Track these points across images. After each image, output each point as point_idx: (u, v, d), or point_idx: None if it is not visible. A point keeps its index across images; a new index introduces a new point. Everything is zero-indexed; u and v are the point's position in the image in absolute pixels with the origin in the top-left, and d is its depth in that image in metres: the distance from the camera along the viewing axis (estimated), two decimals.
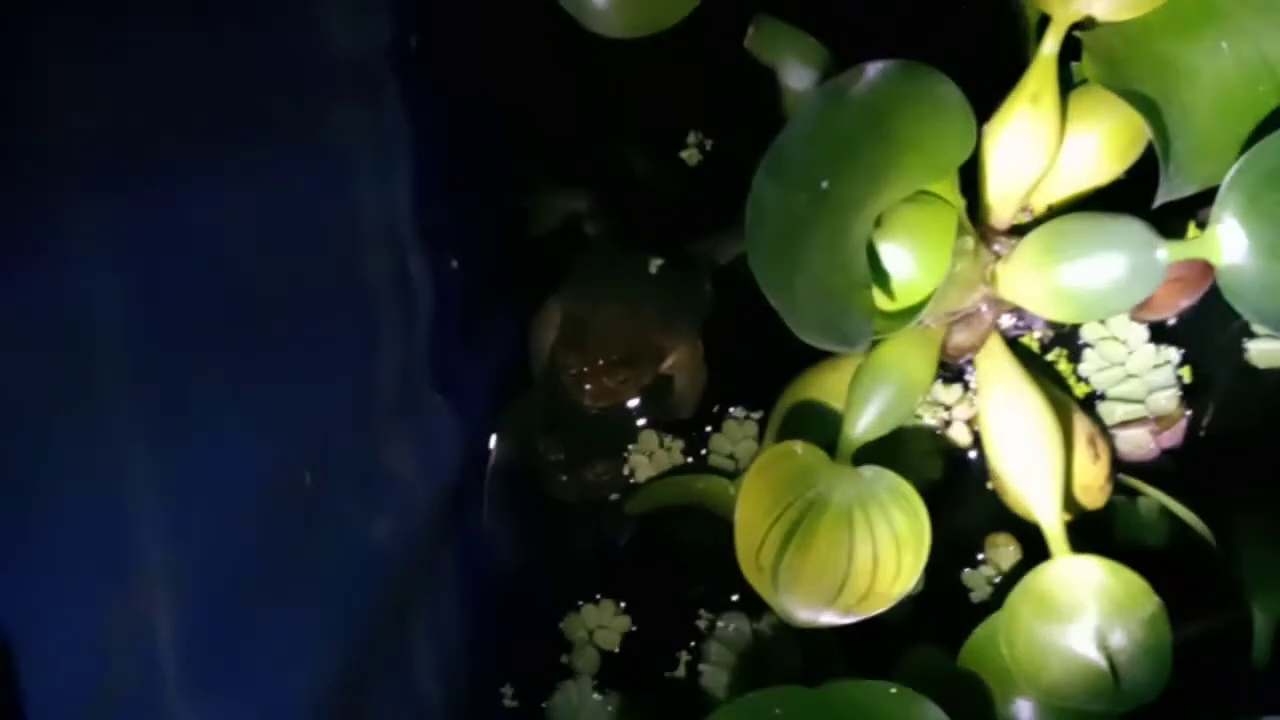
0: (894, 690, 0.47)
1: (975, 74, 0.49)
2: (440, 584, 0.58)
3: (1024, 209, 0.54)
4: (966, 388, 0.57)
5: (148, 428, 0.39)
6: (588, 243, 0.61)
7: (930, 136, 0.47)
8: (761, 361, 0.58)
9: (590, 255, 0.60)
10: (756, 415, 0.58)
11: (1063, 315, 0.52)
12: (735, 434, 0.59)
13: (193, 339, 0.41)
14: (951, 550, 0.56)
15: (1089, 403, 0.56)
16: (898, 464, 0.52)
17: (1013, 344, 0.56)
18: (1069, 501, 0.52)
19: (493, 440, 0.60)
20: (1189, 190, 0.48)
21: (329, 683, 0.47)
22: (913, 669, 0.53)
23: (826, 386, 0.55)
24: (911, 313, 0.49)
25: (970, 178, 0.52)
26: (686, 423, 0.59)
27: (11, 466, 0.35)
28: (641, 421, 0.59)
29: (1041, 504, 0.51)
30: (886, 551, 0.49)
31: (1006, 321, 0.55)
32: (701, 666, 0.57)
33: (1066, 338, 0.57)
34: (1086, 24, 0.51)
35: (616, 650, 0.58)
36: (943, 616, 0.55)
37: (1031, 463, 0.52)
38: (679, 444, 0.59)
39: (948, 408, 0.57)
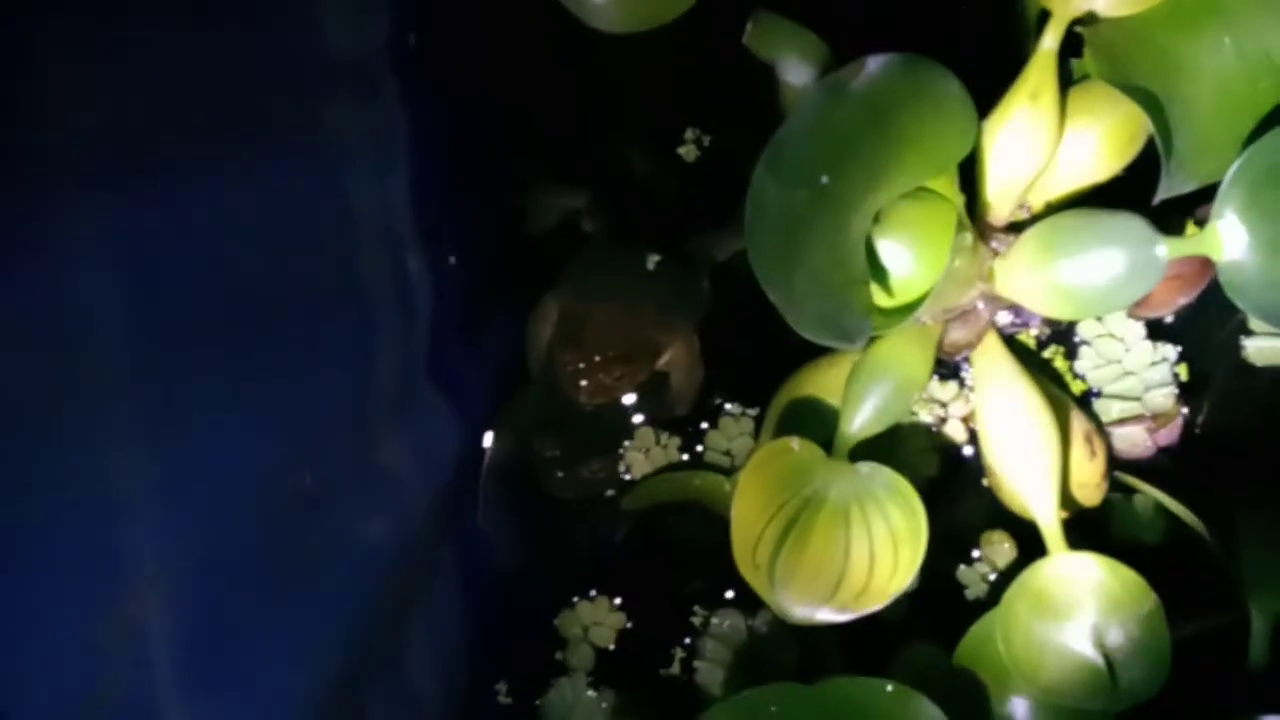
0: (890, 688, 0.47)
1: (974, 70, 0.49)
2: (437, 581, 0.57)
3: (1022, 206, 0.54)
4: (963, 385, 0.57)
5: (144, 427, 0.39)
6: (585, 240, 0.60)
7: (931, 132, 0.46)
8: (758, 358, 0.58)
9: (587, 252, 0.60)
10: (753, 412, 0.58)
11: (1061, 312, 0.52)
12: (731, 430, 0.58)
13: (190, 338, 0.41)
14: (947, 547, 0.56)
15: (1085, 400, 0.56)
16: (894, 461, 0.52)
17: (1009, 341, 0.56)
18: (1065, 499, 0.52)
19: (489, 438, 0.59)
20: (1189, 187, 0.48)
21: (326, 682, 0.46)
22: (909, 666, 0.53)
23: (823, 383, 0.55)
24: (909, 309, 0.49)
25: (968, 174, 0.52)
26: (683, 419, 0.58)
27: (6, 466, 0.35)
28: (638, 418, 0.59)
29: (1038, 501, 0.51)
30: (883, 548, 0.49)
31: (1003, 318, 0.55)
32: (697, 663, 0.57)
33: (1063, 335, 0.57)
34: (1087, 19, 0.51)
35: (611, 647, 0.58)
36: (938, 614, 0.55)
37: (1028, 460, 0.51)
38: (675, 441, 0.59)
39: (944, 405, 0.57)
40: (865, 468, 0.51)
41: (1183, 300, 0.55)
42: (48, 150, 0.37)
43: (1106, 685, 0.48)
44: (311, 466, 0.46)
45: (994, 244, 0.53)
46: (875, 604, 0.48)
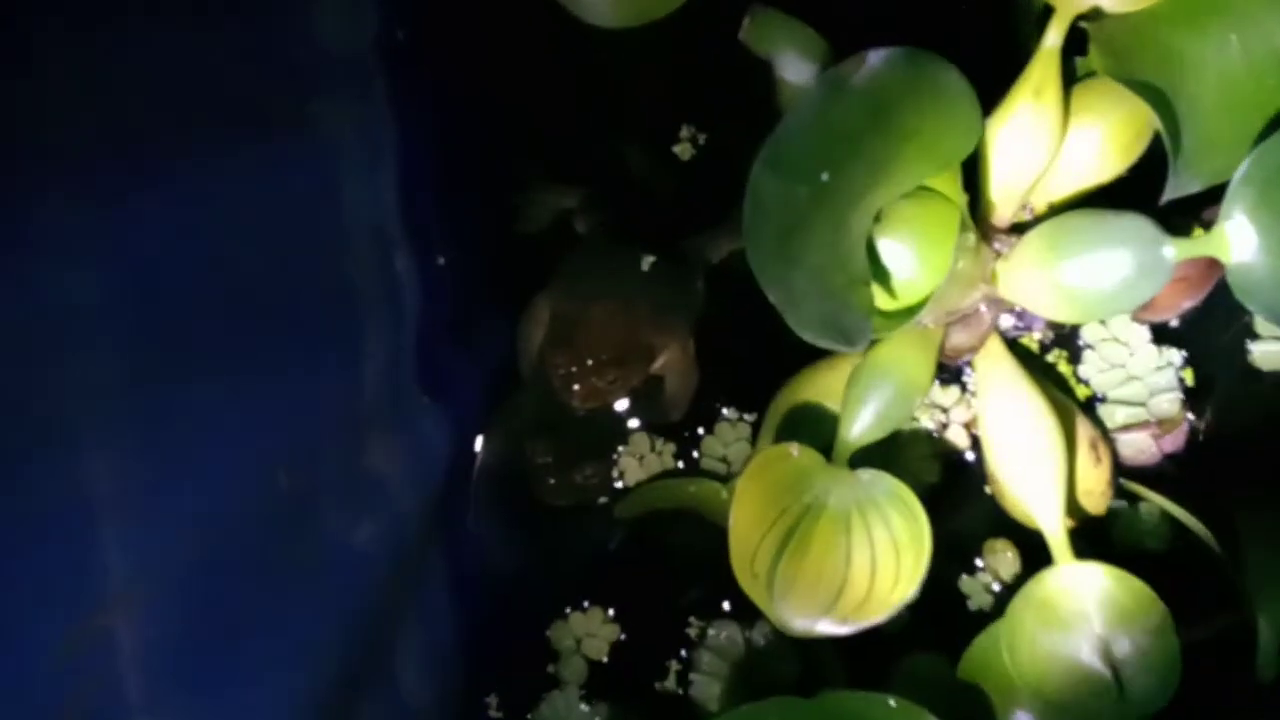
0: (893, 702, 0.45)
1: (974, 67, 0.48)
2: (426, 591, 0.56)
3: (1024, 206, 0.53)
4: (965, 390, 0.56)
5: (125, 430, 0.38)
6: (578, 239, 0.59)
7: (934, 127, 0.45)
8: (755, 362, 0.57)
9: (580, 252, 0.59)
10: (750, 417, 0.57)
11: (1065, 315, 0.51)
12: (728, 436, 0.57)
13: (169, 341, 0.40)
14: (949, 556, 0.54)
15: (1089, 405, 0.55)
16: (894, 468, 0.51)
17: (1012, 345, 0.55)
18: (1071, 507, 0.51)
19: (480, 442, 0.58)
20: (1196, 186, 0.47)
21: (312, 693, 0.45)
22: (911, 678, 0.51)
23: (822, 388, 0.54)
24: (911, 312, 0.48)
25: (970, 173, 0.50)
26: (678, 424, 0.57)
27: None
28: (632, 423, 0.58)
29: (1043, 510, 0.50)
30: (885, 557, 0.48)
31: (1006, 322, 0.54)
32: (692, 676, 0.56)
33: (1066, 339, 0.56)
34: (1091, 15, 0.50)
35: (605, 659, 0.57)
36: (940, 624, 0.54)
37: (1033, 467, 0.50)
38: (670, 446, 0.58)
39: (945, 410, 0.56)
40: (866, 474, 0.49)
41: (1188, 304, 0.54)
42: (38, 150, 0.36)
43: (1114, 698, 0.47)
44: (298, 471, 0.45)
45: (996, 245, 0.52)
46: (877, 615, 0.47)
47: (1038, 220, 0.52)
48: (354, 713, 0.48)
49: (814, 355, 0.54)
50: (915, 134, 0.45)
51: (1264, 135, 0.46)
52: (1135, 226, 0.47)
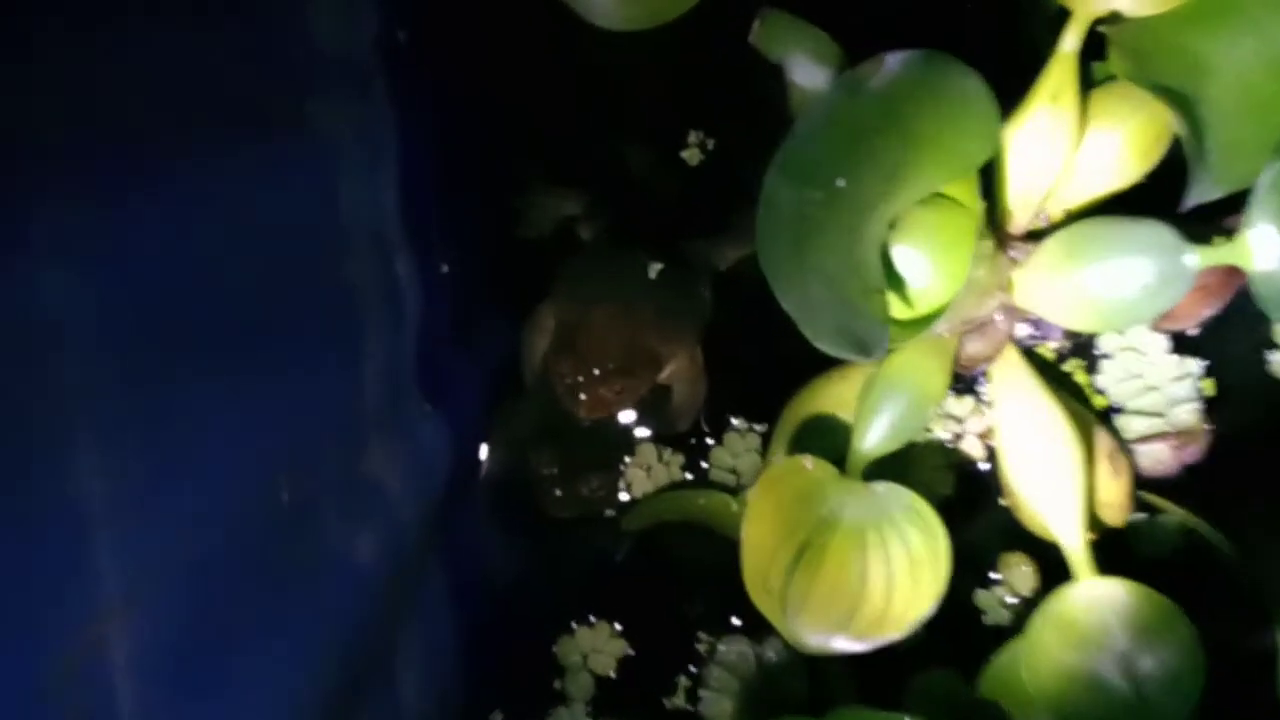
0: None
1: (986, 69, 0.47)
2: (427, 604, 0.55)
3: (1040, 213, 0.52)
4: (979, 400, 0.55)
5: (117, 437, 0.36)
6: (583, 245, 0.58)
7: (952, 133, 0.44)
8: (764, 370, 0.56)
9: (585, 258, 0.58)
10: (760, 427, 0.56)
11: (1084, 324, 0.50)
12: (737, 447, 0.56)
13: (163, 347, 0.39)
14: (963, 569, 0.53)
15: (1107, 416, 0.54)
16: (907, 479, 0.50)
17: (1028, 354, 0.54)
18: (1089, 520, 0.50)
19: (483, 452, 0.57)
20: (1218, 193, 0.46)
21: (309, 705, 0.44)
22: (925, 695, 0.50)
23: (834, 397, 0.53)
24: (927, 320, 0.47)
25: (985, 179, 0.49)
26: (686, 435, 0.56)
27: None
28: (638, 433, 0.57)
29: (1062, 523, 0.48)
30: (902, 573, 0.47)
31: (1022, 331, 0.53)
32: (702, 693, 0.55)
33: (1083, 348, 0.55)
34: (1109, 19, 0.49)
35: (612, 675, 0.56)
36: (954, 639, 0.53)
37: (1050, 480, 0.49)
38: (678, 457, 0.57)
39: (959, 420, 0.55)
40: (881, 487, 0.48)
41: (1207, 312, 0.53)
42: (37, 150, 0.35)
43: (1137, 716, 0.46)
44: (293, 483, 0.44)
45: (1012, 253, 0.51)
46: (894, 633, 0.46)
47: (1054, 227, 0.51)
48: None
49: (825, 364, 0.53)
50: (933, 139, 0.44)
51: None
52: (1156, 234, 0.46)
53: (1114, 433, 0.53)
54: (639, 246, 0.57)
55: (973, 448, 0.55)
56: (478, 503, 0.57)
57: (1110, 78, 0.51)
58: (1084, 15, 0.48)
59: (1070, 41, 0.48)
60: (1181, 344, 0.54)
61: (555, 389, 0.54)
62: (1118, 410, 0.54)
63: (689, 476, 0.57)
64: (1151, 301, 0.47)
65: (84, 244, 0.36)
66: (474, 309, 0.58)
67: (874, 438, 0.49)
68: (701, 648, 0.55)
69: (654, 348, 0.54)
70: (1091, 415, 0.53)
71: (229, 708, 0.40)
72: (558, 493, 0.56)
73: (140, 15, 0.39)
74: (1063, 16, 0.49)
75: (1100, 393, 0.54)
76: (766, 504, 0.48)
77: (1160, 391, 0.54)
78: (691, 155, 0.58)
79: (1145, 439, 0.53)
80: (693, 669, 0.55)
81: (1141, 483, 0.53)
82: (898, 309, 0.47)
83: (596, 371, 0.53)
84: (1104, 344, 0.54)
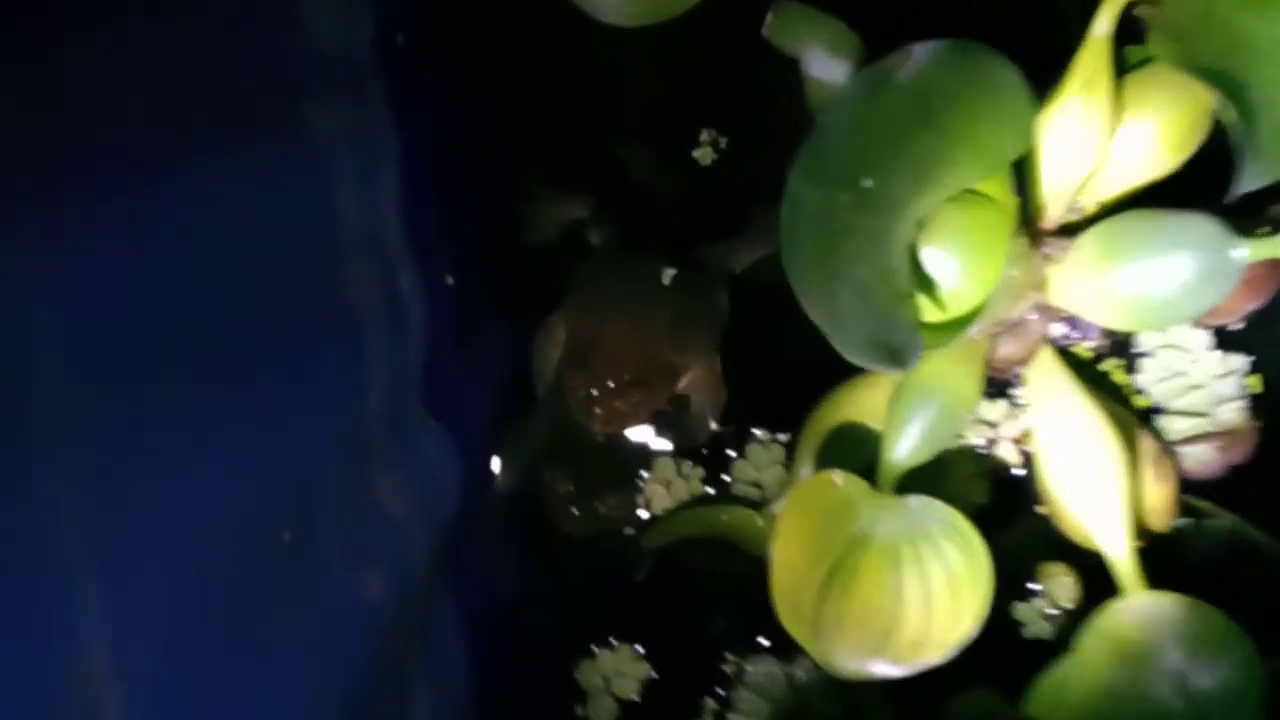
0: None
1: (1014, 58, 0.44)
2: (438, 633, 0.53)
3: (1073, 206, 0.50)
4: (1013, 403, 0.52)
5: (91, 482, 0.33)
6: (593, 251, 0.56)
7: (986, 127, 0.42)
8: (786, 378, 0.54)
9: (596, 265, 0.55)
10: (783, 437, 0.54)
11: (1123, 323, 0.47)
12: (760, 459, 0.54)
13: (146, 373, 0.36)
14: (1001, 581, 0.51)
15: (1147, 417, 0.52)
16: (939, 489, 0.48)
17: (1063, 354, 0.51)
18: (1133, 527, 0.48)
19: (494, 470, 0.55)
20: (1269, 179, 0.44)
21: None
22: (964, 717, 0.48)
23: (861, 405, 0.50)
24: (960, 324, 0.45)
25: (1017, 174, 0.47)
26: (705, 447, 0.54)
27: None
28: (656, 446, 0.54)
29: (1107, 533, 0.46)
30: (940, 593, 0.44)
31: (1057, 330, 0.51)
32: (730, 716, 0.53)
33: (1121, 346, 0.52)
34: (1143, 0, 0.46)
35: (636, 699, 0.54)
36: (993, 655, 0.50)
37: (1093, 487, 0.47)
38: (698, 471, 0.54)
39: (993, 425, 0.52)
40: (915, 501, 0.46)
41: (1251, 306, 0.50)
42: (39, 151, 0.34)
43: None
44: (292, 519, 0.41)
45: (1046, 249, 0.48)
46: (934, 656, 0.44)
47: (1087, 221, 0.49)
48: None
49: (850, 369, 0.50)
50: (966, 134, 0.41)
51: None
52: (1201, 227, 0.44)
53: (1156, 434, 0.51)
54: (651, 251, 0.55)
55: (1008, 453, 0.52)
56: (488, 524, 0.55)
57: (1143, 62, 0.48)
58: None
59: (1103, 25, 0.46)
60: (1225, 339, 0.51)
61: (568, 402, 0.52)
62: (1159, 411, 0.52)
63: (710, 491, 0.54)
64: (1196, 298, 0.45)
65: (50, 263, 0.34)
66: (480, 323, 0.56)
67: (905, 448, 0.47)
68: (728, 669, 0.53)
69: (670, 357, 0.53)
70: (1133, 417, 0.51)
71: None
72: (574, 511, 0.54)
73: (113, 13, 0.37)
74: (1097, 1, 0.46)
75: (1140, 393, 0.52)
76: (795, 523, 0.45)
77: (1204, 390, 0.51)
78: (704, 155, 0.55)
79: (1189, 440, 0.51)
80: (720, 691, 0.53)
81: (1185, 486, 0.51)
82: (929, 314, 0.45)
83: (611, 384, 0.51)
84: (1143, 342, 0.52)
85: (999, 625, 0.52)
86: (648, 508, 0.54)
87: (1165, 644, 0.44)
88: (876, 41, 0.49)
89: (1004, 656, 0.50)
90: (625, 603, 0.54)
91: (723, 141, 0.55)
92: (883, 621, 0.44)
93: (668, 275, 0.53)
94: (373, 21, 0.53)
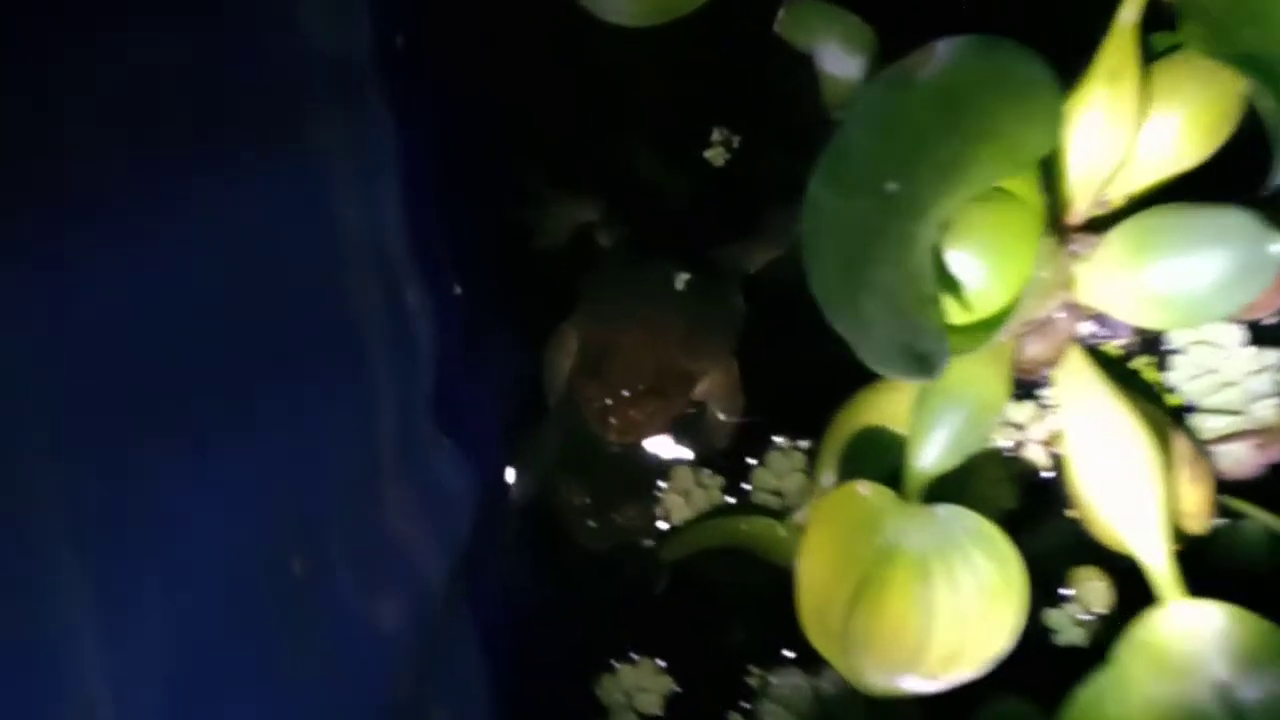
0: None
1: (1038, 48, 0.43)
2: (457, 650, 0.52)
3: (1100, 201, 0.48)
4: (1041, 404, 0.51)
5: (89, 513, 0.32)
6: (603, 257, 0.54)
7: (1013, 125, 0.40)
8: (806, 382, 0.52)
9: (607, 271, 0.54)
10: (804, 444, 0.53)
11: (1155, 321, 0.46)
12: (781, 466, 0.53)
13: (140, 401, 0.35)
14: (1031, 587, 0.50)
15: (1179, 415, 0.50)
16: (966, 494, 0.47)
17: (1092, 352, 0.50)
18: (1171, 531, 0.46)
19: (507, 484, 0.54)
20: None
21: None
22: None
23: (884, 409, 0.49)
24: (987, 327, 0.43)
25: (1044, 170, 0.45)
26: (725, 455, 0.53)
27: None
28: (673, 456, 0.53)
29: (1142, 538, 0.45)
30: (972, 605, 0.43)
31: (1085, 329, 0.49)
32: None
33: (1152, 343, 0.51)
34: None
35: (659, 714, 0.53)
36: (1024, 662, 0.49)
37: (1126, 490, 0.46)
38: (717, 480, 0.53)
39: (1020, 428, 0.51)
40: (943, 511, 0.45)
41: None
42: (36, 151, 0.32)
43: None
44: (306, 547, 0.40)
45: (1073, 246, 0.47)
46: (968, 671, 0.42)
47: (1115, 215, 0.47)
48: None
49: (872, 373, 0.49)
50: (992, 132, 0.40)
51: None
52: (1236, 222, 0.42)
53: (1189, 434, 0.50)
54: (663, 256, 0.53)
55: (1036, 456, 0.51)
56: (504, 539, 0.54)
57: (1171, 49, 0.47)
58: None
59: (1129, 12, 0.44)
60: (1259, 335, 0.50)
61: (582, 413, 0.51)
62: (1192, 409, 0.50)
63: (730, 500, 0.53)
64: (1231, 295, 0.43)
65: (38, 290, 0.32)
66: (489, 334, 0.55)
67: (932, 455, 0.46)
68: (753, 681, 0.52)
69: (686, 365, 0.51)
70: (1165, 416, 0.49)
71: None
72: (591, 524, 0.53)
73: (101, 14, 0.36)
74: None
75: (1172, 391, 0.51)
76: (820, 537, 0.44)
77: (1238, 387, 0.50)
78: (716, 155, 0.54)
79: (1223, 439, 0.50)
80: (745, 705, 0.52)
81: (1221, 486, 0.49)
82: (956, 318, 0.43)
83: (626, 393, 0.50)
84: (1174, 338, 0.50)
85: (1030, 632, 0.50)
86: (666, 518, 0.53)
87: (1208, 655, 0.42)
88: (891, 35, 0.48)
89: (1035, 664, 0.49)
90: (645, 616, 0.53)
91: (735, 141, 0.54)
92: (913, 637, 0.43)
93: (681, 280, 0.52)
94: (371, 23, 0.52)
